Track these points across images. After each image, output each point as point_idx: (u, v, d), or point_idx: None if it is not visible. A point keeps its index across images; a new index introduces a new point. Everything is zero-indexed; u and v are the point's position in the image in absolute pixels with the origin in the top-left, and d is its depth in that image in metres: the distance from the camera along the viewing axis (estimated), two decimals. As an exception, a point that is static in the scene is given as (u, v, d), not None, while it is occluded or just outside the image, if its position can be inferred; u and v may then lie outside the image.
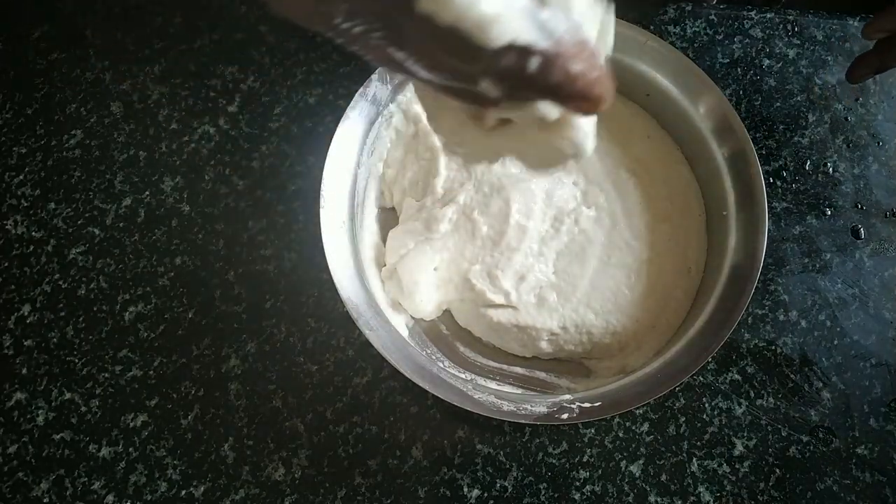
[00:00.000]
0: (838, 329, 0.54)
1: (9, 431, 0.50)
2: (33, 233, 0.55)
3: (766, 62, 0.61)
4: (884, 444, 0.51)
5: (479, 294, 0.50)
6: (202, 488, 0.49)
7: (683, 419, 0.51)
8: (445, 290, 0.52)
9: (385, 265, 0.52)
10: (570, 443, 0.51)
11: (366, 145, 0.51)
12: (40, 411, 0.51)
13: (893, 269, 0.56)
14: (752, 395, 0.52)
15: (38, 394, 0.51)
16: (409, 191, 0.54)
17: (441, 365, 0.49)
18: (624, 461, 0.50)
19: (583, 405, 0.45)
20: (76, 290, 0.54)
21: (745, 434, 0.51)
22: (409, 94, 0.53)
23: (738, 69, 0.60)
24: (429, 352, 0.51)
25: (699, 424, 0.51)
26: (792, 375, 0.53)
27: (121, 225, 0.55)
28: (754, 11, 0.62)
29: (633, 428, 0.51)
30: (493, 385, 0.49)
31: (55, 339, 0.52)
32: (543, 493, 0.49)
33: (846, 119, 0.60)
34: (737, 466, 0.50)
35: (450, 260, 0.51)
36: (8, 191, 0.56)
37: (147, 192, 0.56)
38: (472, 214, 0.52)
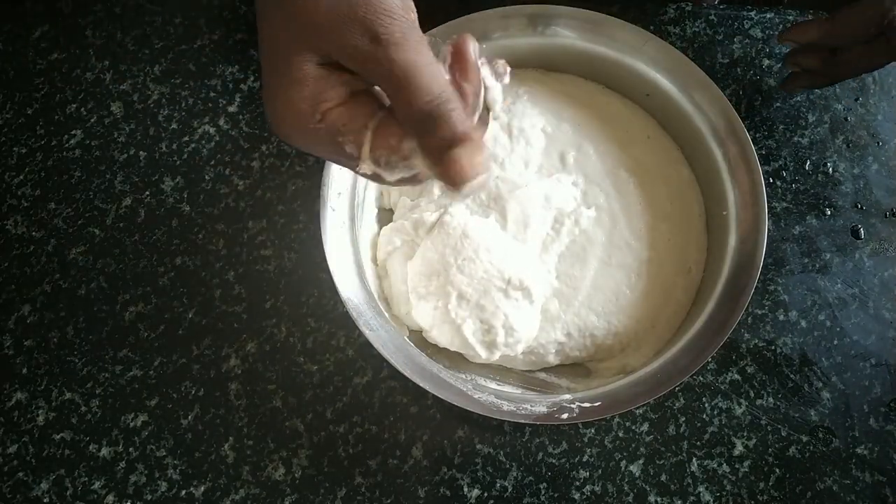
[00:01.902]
0: (838, 329, 0.54)
1: (9, 431, 0.50)
2: (33, 233, 0.55)
3: (766, 62, 0.61)
4: (884, 444, 0.51)
5: (476, 354, 0.48)
6: (202, 488, 0.49)
7: (683, 419, 0.51)
8: (438, 330, 0.49)
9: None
10: (570, 443, 0.51)
11: (366, 145, 0.51)
12: (40, 411, 0.51)
13: (893, 269, 0.56)
14: (751, 395, 0.52)
15: (38, 394, 0.51)
16: (406, 190, 0.54)
17: (441, 365, 0.49)
18: (624, 461, 0.50)
19: (583, 405, 0.45)
20: (76, 290, 0.54)
21: (745, 434, 0.51)
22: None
23: (738, 69, 0.60)
24: (429, 352, 0.51)
25: (699, 424, 0.51)
26: (792, 375, 0.53)
27: (121, 225, 0.55)
28: (754, 11, 0.62)
29: (633, 428, 0.51)
30: (493, 385, 0.49)
31: (55, 339, 0.52)
32: (543, 492, 0.49)
33: (846, 119, 0.60)
34: (737, 466, 0.50)
35: (438, 287, 0.48)
36: (8, 191, 0.56)
37: (147, 192, 0.56)
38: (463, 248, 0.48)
